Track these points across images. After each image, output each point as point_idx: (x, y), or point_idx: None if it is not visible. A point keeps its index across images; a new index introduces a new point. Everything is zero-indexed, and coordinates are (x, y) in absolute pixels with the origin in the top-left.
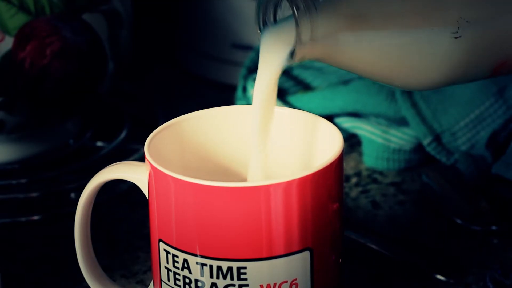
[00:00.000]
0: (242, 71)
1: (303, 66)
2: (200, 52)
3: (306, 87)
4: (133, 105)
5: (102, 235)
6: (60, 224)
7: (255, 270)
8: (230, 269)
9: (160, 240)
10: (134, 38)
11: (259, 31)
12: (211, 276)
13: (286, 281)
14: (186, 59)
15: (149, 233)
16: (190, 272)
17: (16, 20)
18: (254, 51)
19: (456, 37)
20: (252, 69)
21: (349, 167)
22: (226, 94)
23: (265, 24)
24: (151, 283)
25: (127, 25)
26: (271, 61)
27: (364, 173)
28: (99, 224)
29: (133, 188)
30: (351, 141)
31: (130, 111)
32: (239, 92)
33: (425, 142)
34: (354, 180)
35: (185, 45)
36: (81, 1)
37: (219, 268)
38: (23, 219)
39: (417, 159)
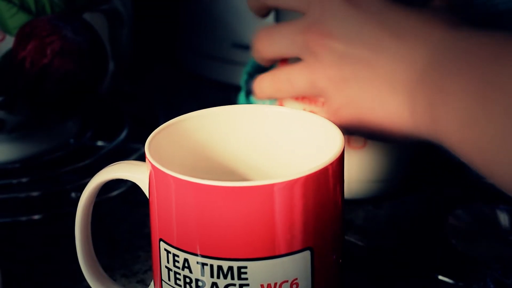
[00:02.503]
0: (243, 76)
1: None
2: (201, 52)
3: None
4: (134, 105)
5: (103, 235)
6: (61, 223)
7: (255, 270)
8: (230, 268)
9: (160, 240)
10: (135, 38)
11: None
12: (212, 276)
13: (287, 281)
14: (186, 58)
15: (150, 233)
16: (190, 271)
17: (17, 19)
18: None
19: None
20: (253, 75)
21: None
22: (226, 93)
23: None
24: (152, 283)
25: (127, 24)
26: None
27: None
28: (99, 223)
29: (133, 188)
30: None
31: (130, 111)
32: (241, 98)
33: None
34: None
35: (185, 44)
36: (82, 1)
37: (219, 267)
38: (23, 218)
39: None
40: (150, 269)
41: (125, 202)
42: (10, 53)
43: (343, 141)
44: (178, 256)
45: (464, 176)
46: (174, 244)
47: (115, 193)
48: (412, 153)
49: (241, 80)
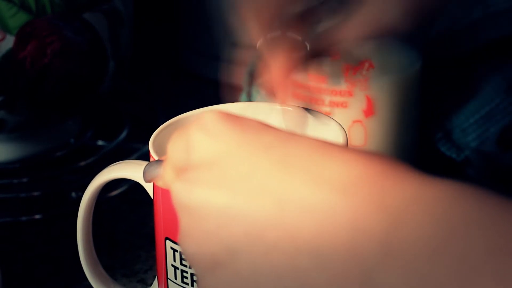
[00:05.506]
0: (245, 77)
1: None
2: (201, 51)
3: None
4: (134, 104)
5: (103, 235)
6: (61, 223)
7: None
8: None
9: (166, 238)
10: (135, 38)
11: None
12: None
13: None
14: (186, 58)
15: (151, 232)
16: None
17: (17, 19)
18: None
19: None
20: (253, 75)
21: None
22: (227, 93)
23: None
24: (155, 282)
25: (127, 24)
26: None
27: None
28: (99, 223)
29: (133, 187)
30: None
31: (130, 111)
32: (243, 98)
33: (435, 138)
34: None
35: (185, 44)
36: (82, 1)
37: None
38: (24, 218)
39: None
40: (150, 268)
41: (125, 201)
42: (10, 53)
43: (346, 137)
44: None
45: (464, 176)
46: None
47: (115, 192)
48: (413, 152)
49: (244, 80)
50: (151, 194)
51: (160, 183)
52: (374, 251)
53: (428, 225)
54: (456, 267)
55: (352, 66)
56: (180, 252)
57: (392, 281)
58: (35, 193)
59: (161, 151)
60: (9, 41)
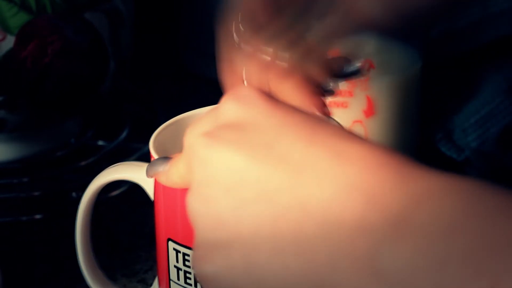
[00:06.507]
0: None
1: None
2: (201, 51)
3: None
4: (134, 104)
5: (103, 235)
6: (61, 223)
7: None
8: None
9: (169, 239)
10: (136, 37)
11: None
12: None
13: None
14: (187, 58)
15: (151, 232)
16: None
17: (18, 19)
18: None
19: None
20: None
21: None
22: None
23: None
24: (154, 283)
25: (128, 24)
26: None
27: None
28: (99, 223)
29: (133, 187)
30: None
31: (131, 110)
32: None
33: (436, 138)
34: None
35: (186, 44)
36: (83, 0)
37: None
38: (24, 218)
39: None
40: (151, 268)
41: (125, 202)
42: (11, 53)
43: None
44: (188, 255)
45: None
46: (184, 243)
47: (115, 193)
48: (413, 152)
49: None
50: (151, 196)
51: (163, 179)
52: (384, 225)
53: (449, 210)
54: (473, 250)
55: None
56: (183, 253)
57: (399, 259)
58: (35, 193)
59: (161, 151)
60: (10, 41)
